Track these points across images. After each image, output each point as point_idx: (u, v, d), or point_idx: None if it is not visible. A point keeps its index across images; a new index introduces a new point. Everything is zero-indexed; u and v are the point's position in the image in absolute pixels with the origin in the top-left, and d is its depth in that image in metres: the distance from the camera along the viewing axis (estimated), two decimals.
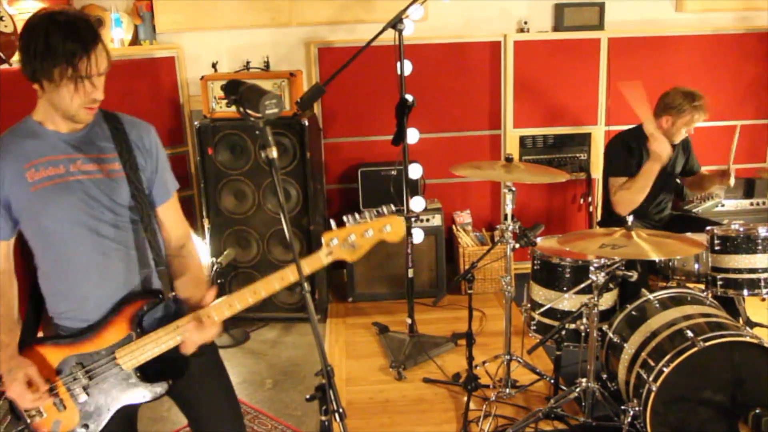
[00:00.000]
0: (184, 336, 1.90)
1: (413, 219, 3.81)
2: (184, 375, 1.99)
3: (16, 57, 3.56)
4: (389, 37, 3.56)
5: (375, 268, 4.59)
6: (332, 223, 1.94)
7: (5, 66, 3.47)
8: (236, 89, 1.73)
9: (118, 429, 1.99)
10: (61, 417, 1.94)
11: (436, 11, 4.61)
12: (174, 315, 2.01)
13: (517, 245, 3.21)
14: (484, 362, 3.55)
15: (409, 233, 3.80)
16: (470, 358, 3.33)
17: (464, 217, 4.86)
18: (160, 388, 1.96)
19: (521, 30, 4.74)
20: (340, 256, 1.90)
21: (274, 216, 4.22)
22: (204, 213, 4.33)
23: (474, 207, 4.93)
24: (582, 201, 4.90)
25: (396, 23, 3.54)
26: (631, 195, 3.55)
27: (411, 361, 3.75)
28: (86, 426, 1.95)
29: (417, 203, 3.84)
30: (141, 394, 1.95)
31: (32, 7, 3.98)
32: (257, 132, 1.68)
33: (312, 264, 1.91)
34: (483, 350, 3.79)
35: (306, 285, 1.75)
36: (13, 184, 1.83)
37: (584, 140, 4.84)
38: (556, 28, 4.76)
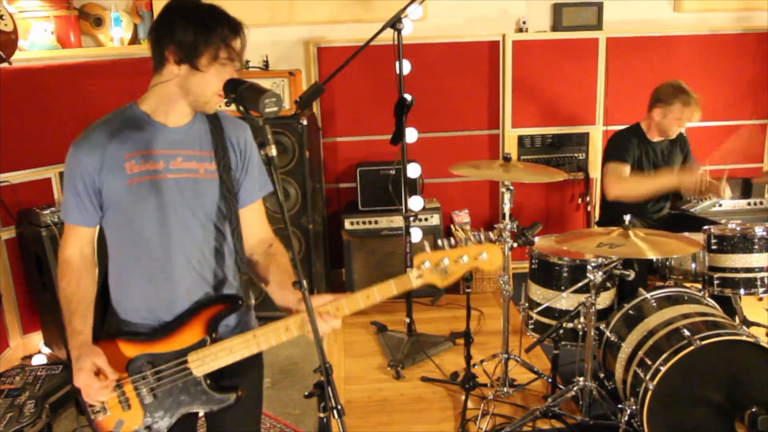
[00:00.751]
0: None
1: (411, 218, 3.82)
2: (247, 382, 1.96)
3: (16, 55, 3.59)
4: (388, 36, 3.57)
5: (374, 267, 4.60)
6: (426, 245, 1.92)
7: (5, 65, 3.48)
8: (236, 88, 1.74)
9: None
10: (125, 417, 1.89)
11: (435, 11, 4.62)
12: (248, 324, 1.99)
13: (515, 244, 3.21)
14: (482, 361, 3.56)
15: (407, 232, 3.81)
16: (468, 357, 3.34)
17: (463, 216, 4.87)
18: (228, 398, 1.89)
19: (520, 30, 4.75)
20: (430, 281, 1.85)
21: (273, 215, 4.19)
22: None
23: (472, 206, 4.94)
24: (580, 200, 4.91)
25: (395, 23, 3.54)
26: (636, 190, 3.57)
27: (409, 360, 3.76)
28: (149, 428, 1.89)
29: (415, 202, 3.85)
30: (208, 401, 1.89)
31: (31, 6, 4.00)
32: (257, 130, 1.69)
33: (400, 285, 1.86)
34: (481, 349, 3.80)
35: (305, 282, 1.75)
36: (110, 172, 1.80)
37: (582, 140, 4.85)
38: (555, 27, 4.77)
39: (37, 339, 4.05)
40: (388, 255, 4.55)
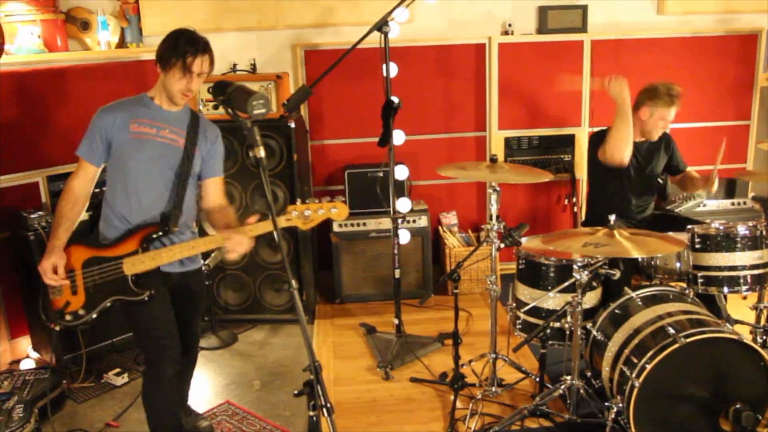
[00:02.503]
0: (229, 241, 2.57)
1: (399, 220, 3.85)
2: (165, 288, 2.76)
3: (3, 59, 3.58)
4: (375, 39, 3.59)
5: (362, 270, 4.62)
6: (298, 201, 2.69)
7: None
8: (224, 90, 1.76)
9: (147, 311, 2.71)
10: (72, 299, 2.67)
11: (421, 13, 4.65)
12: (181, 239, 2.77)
13: (503, 245, 3.25)
14: (470, 361, 3.58)
15: (395, 234, 3.83)
16: (456, 358, 3.36)
17: (450, 218, 4.90)
18: (143, 292, 2.66)
19: (505, 32, 4.79)
20: (295, 223, 2.65)
21: (261, 218, 4.22)
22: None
23: (460, 208, 4.97)
24: (566, 201, 4.96)
25: (381, 26, 3.57)
26: (614, 139, 3.60)
27: (398, 361, 3.78)
28: (86, 309, 2.66)
29: (403, 204, 3.88)
30: (130, 294, 2.66)
31: (17, 10, 3.98)
32: (245, 132, 1.72)
33: (279, 223, 2.37)
34: (469, 350, 3.83)
35: (294, 283, 1.77)
36: (119, 129, 2.64)
37: (568, 141, 4.90)
38: (540, 30, 4.81)
39: (25, 343, 4.04)
40: (376, 257, 4.57)
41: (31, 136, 3.93)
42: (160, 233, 2.68)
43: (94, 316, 2.68)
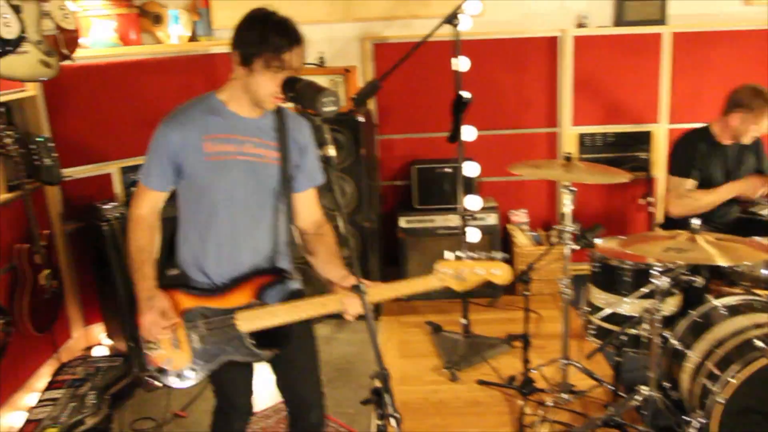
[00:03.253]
0: (345, 305, 2.07)
1: (468, 217, 3.76)
2: (288, 345, 2.22)
3: (78, 53, 3.65)
4: (445, 32, 3.51)
5: (429, 267, 4.51)
6: (446, 253, 2.14)
7: (68, 62, 3.54)
8: (293, 86, 1.72)
9: (229, 376, 2.28)
10: (174, 356, 2.19)
11: (493, 6, 4.52)
12: (291, 296, 2.25)
13: (576, 247, 3.13)
14: (540, 366, 3.48)
15: (463, 232, 3.74)
16: (526, 361, 3.27)
17: (520, 216, 4.78)
18: (265, 354, 2.20)
19: (580, 25, 4.62)
20: (449, 284, 2.10)
21: (328, 212, 4.20)
22: None
23: (530, 206, 4.84)
24: (642, 201, 4.76)
25: (452, 19, 3.48)
26: (696, 206, 3.44)
27: (465, 362, 3.71)
28: (193, 369, 2.19)
29: (472, 202, 3.78)
30: (246, 354, 2.18)
31: (94, 5, 4.06)
32: (314, 129, 1.67)
33: (423, 285, 2.12)
34: (539, 353, 3.71)
35: (363, 286, 1.72)
36: (190, 150, 2.09)
37: (645, 138, 4.70)
38: (617, 22, 4.63)
39: (98, 331, 4.13)
40: (443, 254, 4.48)
41: (104, 128, 4.00)
42: (276, 283, 2.22)
43: (203, 375, 2.21)
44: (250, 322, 2.14)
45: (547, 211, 4.90)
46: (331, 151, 1.76)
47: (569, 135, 4.69)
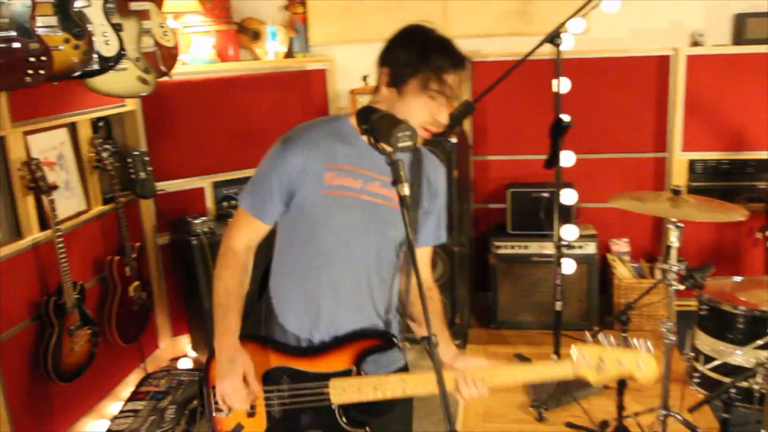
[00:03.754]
0: (460, 388, 1.76)
1: (564, 248, 3.54)
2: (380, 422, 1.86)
3: (175, 69, 3.70)
4: (547, 50, 3.32)
5: (521, 295, 4.35)
6: (587, 335, 1.81)
7: (165, 78, 3.60)
8: (368, 117, 1.60)
9: None
10: (247, 423, 1.86)
11: (600, 23, 4.27)
12: (397, 365, 1.93)
13: (682, 287, 2.87)
14: (636, 414, 3.20)
15: (558, 263, 3.53)
16: (620, 407, 3.02)
17: (621, 245, 4.48)
18: None
19: (695, 43, 4.30)
20: (584, 374, 1.75)
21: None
22: None
23: (633, 235, 4.53)
24: (759, 235, 4.36)
25: (554, 38, 3.29)
26: None
27: (554, 402, 3.48)
28: None
29: (569, 231, 3.56)
30: (334, 430, 1.82)
31: (195, 22, 4.13)
32: (388, 165, 1.54)
33: (557, 371, 1.80)
34: (636, 397, 3.44)
35: (434, 338, 1.57)
36: (309, 177, 1.76)
37: (764, 166, 4.31)
38: (736, 41, 4.27)
39: (184, 342, 4.17)
40: (537, 282, 4.28)
41: (199, 142, 4.05)
42: (380, 350, 1.85)
43: None
44: (344, 393, 1.77)
45: (651, 241, 4.58)
46: (406, 190, 1.52)
47: (679, 161, 4.37)
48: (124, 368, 3.68)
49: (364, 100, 4.05)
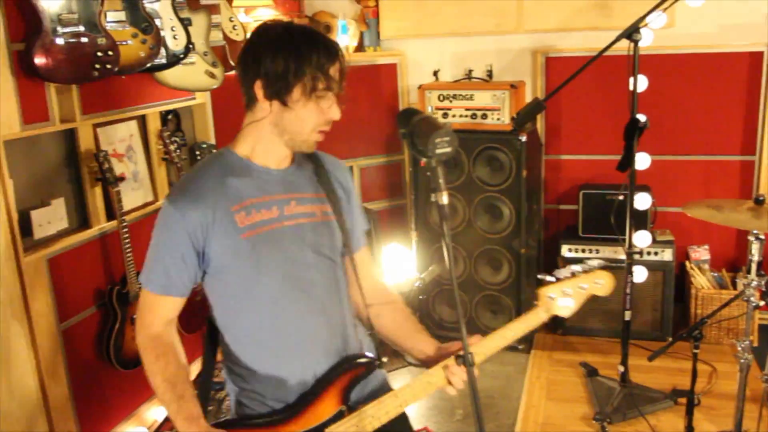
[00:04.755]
0: (450, 378, 1.66)
1: (636, 255, 3.36)
2: None
3: None
4: (625, 45, 3.15)
5: (590, 300, 4.15)
6: (543, 276, 1.83)
7: (234, 72, 3.62)
8: (409, 121, 1.51)
9: None
10: None
11: (685, 17, 4.04)
12: (382, 382, 1.83)
13: (762, 303, 2.67)
14: None
15: (629, 271, 3.36)
16: (689, 428, 2.84)
17: (701, 253, 4.23)
18: None
19: None
20: (555, 312, 1.81)
21: (484, 235, 4.00)
22: (413, 225, 4.23)
23: (714, 242, 4.27)
24: None
25: (631, 33, 3.12)
26: None
27: (619, 415, 3.32)
28: None
29: (642, 238, 3.38)
30: None
31: (266, 15, 4.14)
32: (428, 174, 1.46)
33: (530, 321, 1.80)
34: (709, 416, 3.25)
35: (471, 357, 1.49)
36: (217, 228, 1.58)
37: None
38: None
39: None
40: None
41: None
42: (363, 376, 1.74)
43: None
44: None
45: (734, 250, 4.31)
46: (445, 199, 1.42)
47: None
48: (188, 357, 3.74)
49: (432, 96, 3.99)
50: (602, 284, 1.85)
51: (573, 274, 1.81)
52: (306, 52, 1.54)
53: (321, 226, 1.69)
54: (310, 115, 1.58)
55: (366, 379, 1.75)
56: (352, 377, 1.70)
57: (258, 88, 1.58)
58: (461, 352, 1.53)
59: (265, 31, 1.61)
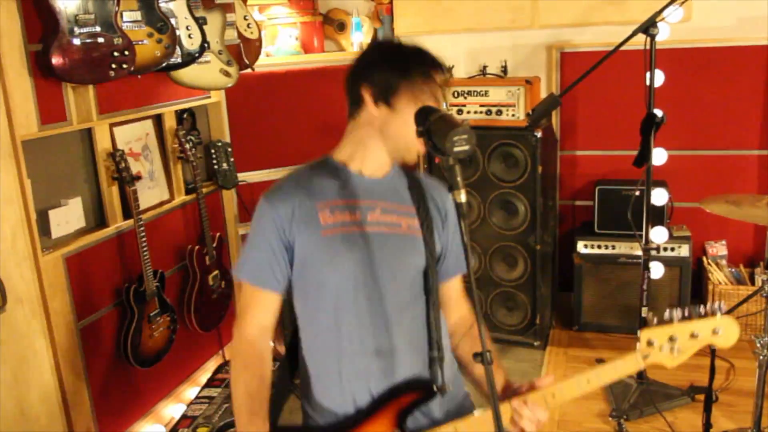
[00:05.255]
0: (520, 421, 1.59)
1: (653, 251, 3.34)
2: None
3: (260, 61, 3.73)
4: (641, 40, 3.12)
5: (607, 297, 4.16)
6: (653, 318, 1.64)
7: (248, 71, 3.63)
8: (426, 119, 1.50)
9: None
10: None
11: (702, 11, 4.00)
12: (446, 412, 1.75)
13: None
14: None
15: (646, 267, 3.34)
16: (707, 425, 2.82)
17: (718, 248, 4.20)
18: None
19: None
20: (658, 360, 1.62)
21: (498, 231, 3.99)
22: None
23: (732, 237, 4.24)
24: None
25: (648, 27, 3.09)
26: None
27: (636, 412, 3.30)
28: None
29: (659, 234, 3.37)
30: None
31: (280, 14, 4.15)
32: (444, 173, 1.45)
33: (626, 367, 1.64)
34: (727, 412, 3.23)
35: (488, 355, 1.47)
36: (303, 222, 1.60)
37: None
38: None
39: None
40: (623, 285, 4.08)
41: (282, 134, 4.08)
42: (421, 402, 1.67)
43: None
44: None
45: (753, 245, 4.27)
46: (463, 197, 1.40)
47: None
48: (203, 355, 3.77)
49: (447, 93, 3.97)
50: (722, 335, 1.59)
51: (687, 317, 1.61)
52: (413, 60, 1.61)
53: (404, 239, 1.67)
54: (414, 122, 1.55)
55: (432, 404, 1.69)
56: (411, 401, 1.65)
57: (366, 92, 1.62)
58: (479, 350, 1.48)
59: (376, 44, 1.75)
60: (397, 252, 1.66)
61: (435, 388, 1.66)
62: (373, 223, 1.64)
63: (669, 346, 1.58)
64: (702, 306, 1.60)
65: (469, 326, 1.77)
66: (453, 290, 1.81)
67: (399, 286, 1.66)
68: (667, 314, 1.59)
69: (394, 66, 1.60)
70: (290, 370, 1.84)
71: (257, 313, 1.66)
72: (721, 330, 1.58)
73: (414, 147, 1.62)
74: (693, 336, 1.58)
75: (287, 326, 1.81)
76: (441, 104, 1.62)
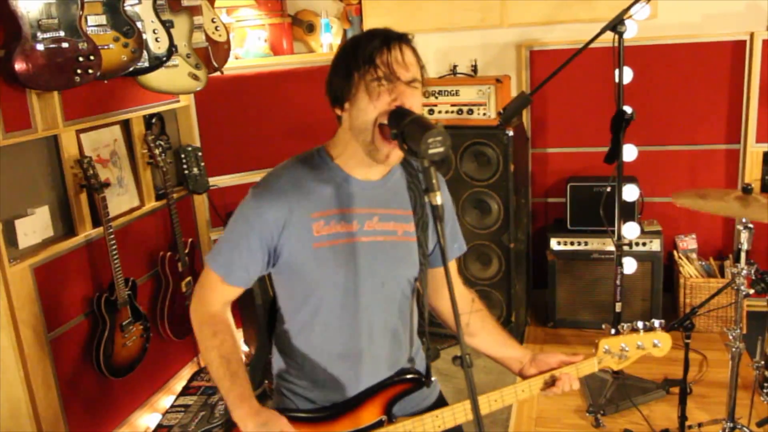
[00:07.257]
0: (558, 382, 1.76)
1: (625, 246, 3.37)
2: None
3: (228, 63, 3.69)
4: (609, 38, 3.14)
5: (580, 293, 4.18)
6: (606, 327, 1.94)
7: (217, 74, 3.59)
8: (400, 121, 1.48)
9: None
10: None
11: (667, 8, 4.05)
12: (429, 401, 1.82)
13: (751, 291, 2.68)
14: (699, 424, 3.02)
15: (619, 263, 3.36)
16: (683, 417, 2.86)
17: (688, 242, 4.26)
18: None
19: None
20: (608, 365, 1.88)
21: (472, 230, 3.99)
22: None
23: (701, 231, 4.30)
24: None
25: (616, 25, 3.11)
26: None
27: (612, 407, 3.33)
28: None
29: (630, 230, 3.39)
30: None
31: (248, 16, 4.11)
32: (419, 173, 1.43)
33: (584, 370, 1.83)
34: (701, 404, 3.27)
35: (468, 358, 1.48)
36: (294, 231, 1.56)
37: None
38: None
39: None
40: (596, 281, 4.11)
41: (252, 137, 4.04)
42: (409, 393, 1.73)
43: None
44: None
45: (722, 238, 4.33)
46: (439, 199, 1.39)
47: (753, 153, 4.10)
48: (177, 363, 3.72)
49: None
50: (660, 346, 1.89)
51: (633, 330, 1.86)
52: (357, 48, 1.52)
53: (398, 246, 1.66)
54: (368, 107, 1.51)
55: (416, 395, 1.75)
56: (398, 391, 1.70)
57: (330, 98, 1.59)
58: (459, 354, 1.50)
59: (338, 49, 1.62)
60: (389, 260, 1.65)
61: (424, 380, 1.74)
62: (368, 233, 1.62)
63: (619, 354, 1.85)
64: (641, 323, 1.87)
65: (471, 301, 1.84)
66: (453, 270, 1.81)
67: (390, 290, 1.68)
68: (623, 326, 1.86)
69: (338, 70, 1.55)
70: (267, 338, 1.83)
71: (219, 297, 1.66)
72: (660, 342, 1.88)
73: (370, 132, 1.53)
74: (638, 347, 1.86)
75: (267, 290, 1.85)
76: (395, 78, 1.52)
